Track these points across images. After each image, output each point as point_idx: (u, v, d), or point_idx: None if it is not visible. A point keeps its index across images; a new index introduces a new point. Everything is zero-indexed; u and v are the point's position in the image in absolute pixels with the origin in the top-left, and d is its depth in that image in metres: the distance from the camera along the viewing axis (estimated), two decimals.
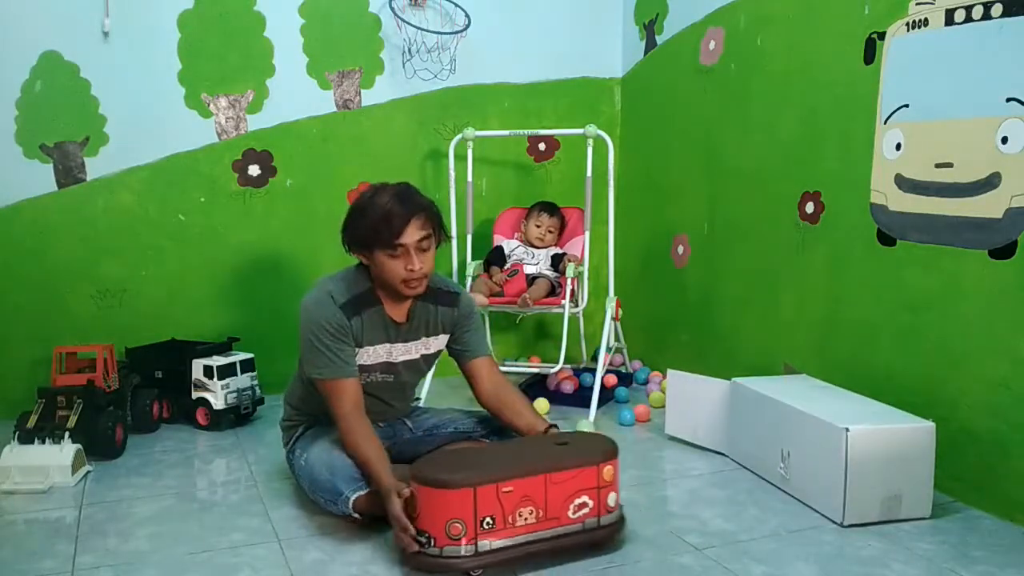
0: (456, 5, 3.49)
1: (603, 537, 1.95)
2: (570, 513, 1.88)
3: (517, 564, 1.85)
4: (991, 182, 2.14)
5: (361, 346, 2.16)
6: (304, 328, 2.13)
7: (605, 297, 3.28)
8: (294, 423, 2.32)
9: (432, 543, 1.79)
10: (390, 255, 2.08)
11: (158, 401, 2.93)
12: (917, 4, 2.33)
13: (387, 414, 2.33)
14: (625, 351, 3.59)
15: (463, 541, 1.77)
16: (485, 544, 1.79)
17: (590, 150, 3.21)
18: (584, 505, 1.90)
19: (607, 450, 1.96)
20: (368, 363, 2.19)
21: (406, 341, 2.24)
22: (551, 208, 3.39)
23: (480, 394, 2.31)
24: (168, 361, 3.02)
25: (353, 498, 2.01)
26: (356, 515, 2.03)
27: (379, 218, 2.06)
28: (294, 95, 3.35)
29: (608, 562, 1.91)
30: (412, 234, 2.08)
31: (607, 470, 1.92)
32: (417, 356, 2.28)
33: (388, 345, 2.21)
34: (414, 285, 2.12)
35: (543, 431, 2.16)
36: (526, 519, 1.83)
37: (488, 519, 1.79)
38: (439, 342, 2.31)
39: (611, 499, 1.94)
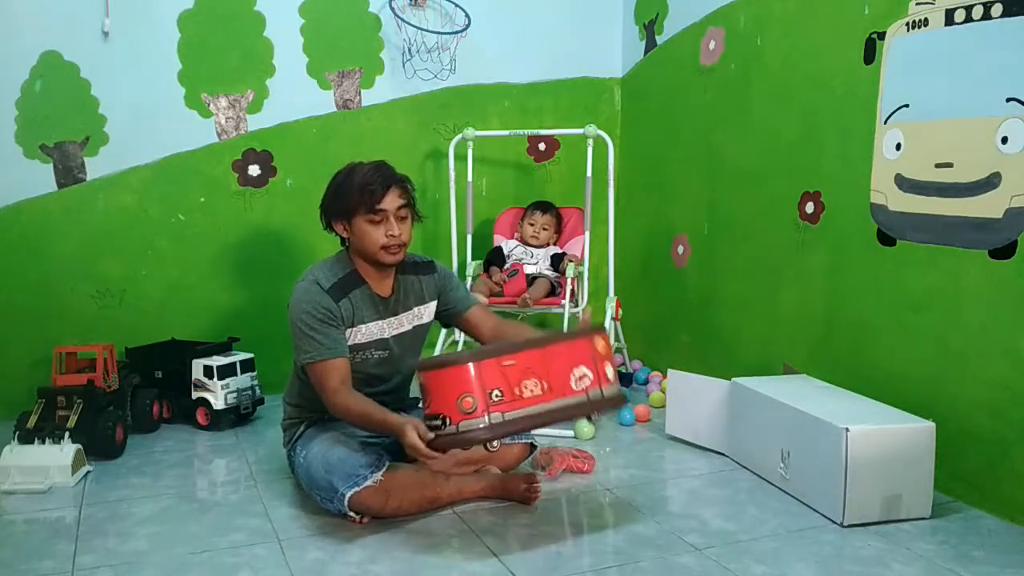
0: (456, 5, 3.49)
1: (607, 406, 2.03)
2: (573, 384, 1.94)
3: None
4: (991, 182, 2.14)
5: (354, 326, 2.20)
6: (292, 317, 2.17)
7: (605, 297, 3.28)
8: (295, 421, 2.32)
9: (447, 423, 1.84)
10: (370, 220, 2.16)
11: (158, 401, 2.93)
12: (917, 4, 2.33)
13: (385, 397, 2.33)
14: (625, 351, 3.59)
15: (476, 414, 1.82)
16: (497, 416, 1.83)
17: (590, 150, 3.21)
18: (585, 376, 1.97)
19: (593, 327, 2.06)
20: (362, 342, 2.23)
21: (396, 314, 2.29)
22: (544, 206, 3.40)
23: (484, 339, 2.37)
24: (168, 361, 3.02)
25: (349, 495, 2.02)
26: (352, 513, 2.06)
27: (360, 185, 2.17)
28: (294, 95, 3.35)
29: (608, 562, 1.91)
30: (392, 201, 2.17)
31: (599, 342, 2.02)
32: (409, 328, 2.32)
33: (380, 322, 2.26)
34: (394, 251, 2.19)
35: None
36: (532, 391, 1.89)
37: (496, 391, 1.84)
38: (429, 311, 2.37)
39: (609, 371, 2.01)
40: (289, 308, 2.19)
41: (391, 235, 2.16)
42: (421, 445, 1.87)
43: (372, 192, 2.15)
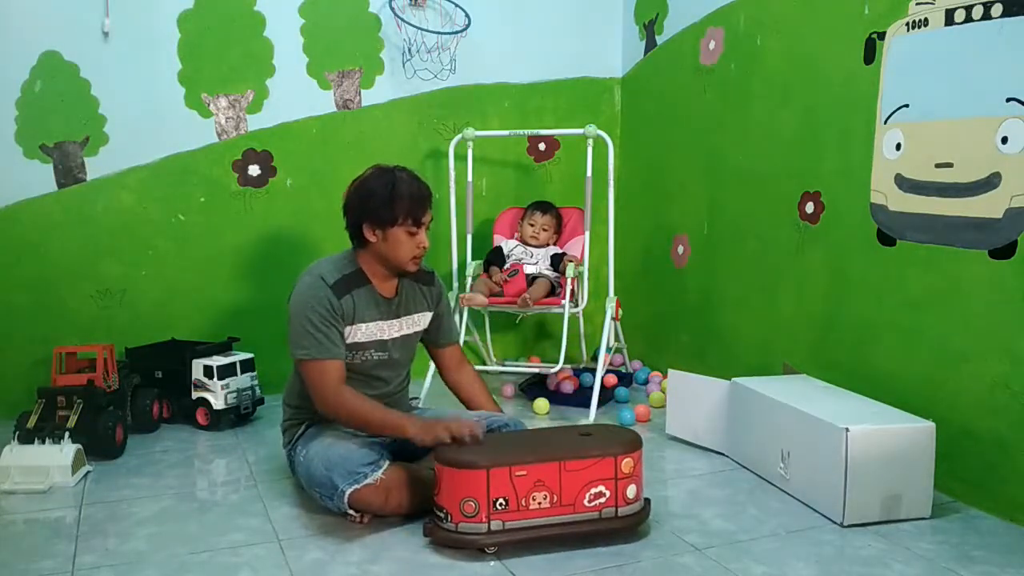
0: (456, 5, 3.49)
1: (620, 527, 2.00)
2: (586, 501, 1.95)
3: (530, 545, 1.93)
4: (991, 182, 2.14)
5: (354, 323, 2.21)
6: (294, 311, 2.17)
7: (605, 297, 3.28)
8: (295, 422, 2.32)
9: (449, 518, 1.90)
10: (409, 232, 2.20)
11: (158, 401, 2.93)
12: (917, 4, 2.33)
13: (384, 399, 2.33)
14: (625, 351, 3.59)
15: (476, 519, 1.88)
16: (498, 524, 1.89)
17: (590, 150, 3.21)
18: (601, 495, 1.96)
19: (628, 443, 2.02)
20: (362, 340, 2.23)
21: (397, 317, 2.30)
22: (544, 206, 3.40)
23: (446, 378, 2.51)
24: (168, 361, 3.02)
25: (349, 492, 2.03)
26: (351, 511, 2.06)
27: (408, 198, 2.18)
28: (294, 95, 3.35)
29: (608, 562, 1.91)
30: (429, 215, 2.24)
31: (626, 462, 1.98)
32: (409, 331, 2.34)
33: (380, 322, 2.26)
34: (418, 261, 2.26)
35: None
36: (540, 503, 1.92)
37: (501, 500, 1.89)
38: (426, 319, 2.40)
39: (630, 491, 1.99)
40: (291, 302, 2.19)
41: (422, 246, 2.22)
42: (424, 437, 1.99)
43: (420, 205, 2.19)
